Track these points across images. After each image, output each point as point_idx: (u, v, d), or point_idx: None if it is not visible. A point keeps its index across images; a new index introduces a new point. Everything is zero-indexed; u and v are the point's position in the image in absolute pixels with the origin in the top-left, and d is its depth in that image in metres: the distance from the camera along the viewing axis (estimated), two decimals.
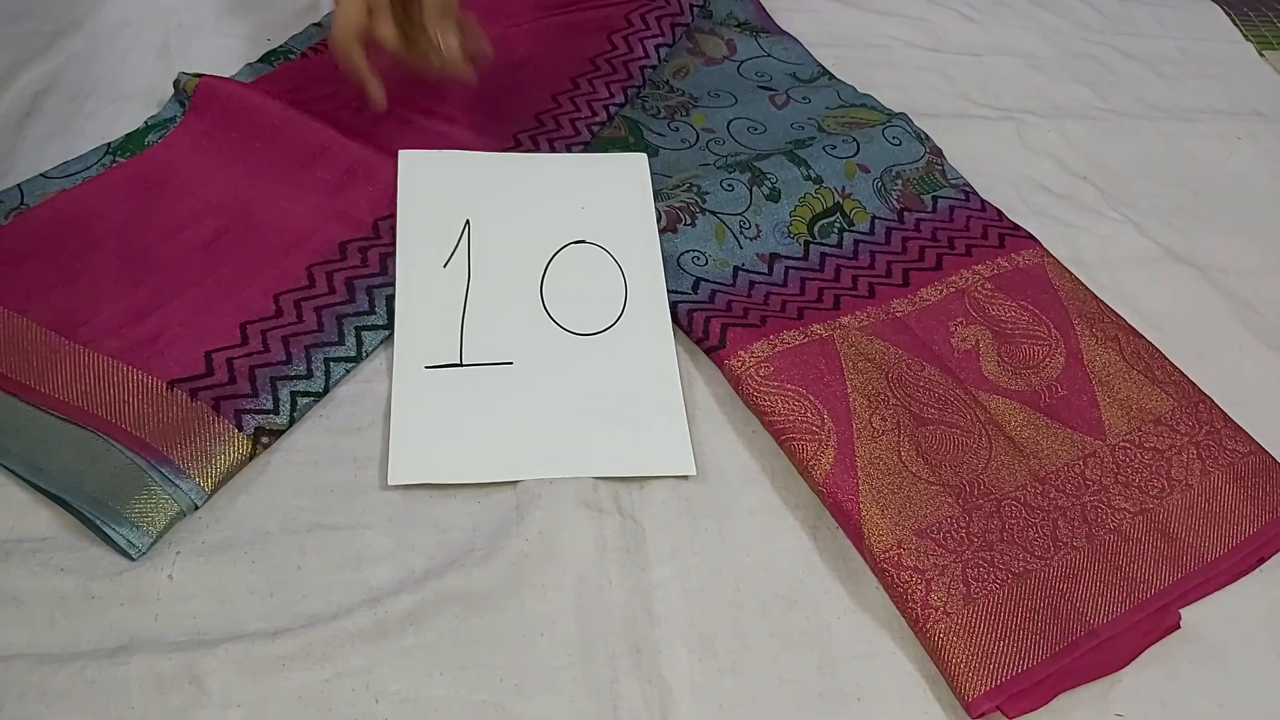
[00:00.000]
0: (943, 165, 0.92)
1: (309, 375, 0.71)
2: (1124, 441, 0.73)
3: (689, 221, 0.82)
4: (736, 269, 0.81)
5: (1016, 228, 0.87)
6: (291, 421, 0.69)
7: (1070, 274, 0.84)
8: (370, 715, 0.57)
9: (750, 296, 0.78)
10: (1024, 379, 0.76)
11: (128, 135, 0.86)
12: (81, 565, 0.61)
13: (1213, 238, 0.93)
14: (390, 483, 0.66)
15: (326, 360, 0.72)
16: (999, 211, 0.89)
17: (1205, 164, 1.01)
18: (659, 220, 0.81)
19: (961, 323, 0.79)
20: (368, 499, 0.66)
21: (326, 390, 0.71)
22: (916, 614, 0.62)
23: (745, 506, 0.69)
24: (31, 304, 0.71)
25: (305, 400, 0.70)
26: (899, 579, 0.63)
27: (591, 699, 0.58)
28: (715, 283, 0.79)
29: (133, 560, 0.61)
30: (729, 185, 0.84)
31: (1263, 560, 0.68)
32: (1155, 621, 0.64)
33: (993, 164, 0.96)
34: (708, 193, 0.83)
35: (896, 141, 0.92)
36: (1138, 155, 1.01)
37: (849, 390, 0.72)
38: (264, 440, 0.67)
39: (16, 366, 0.68)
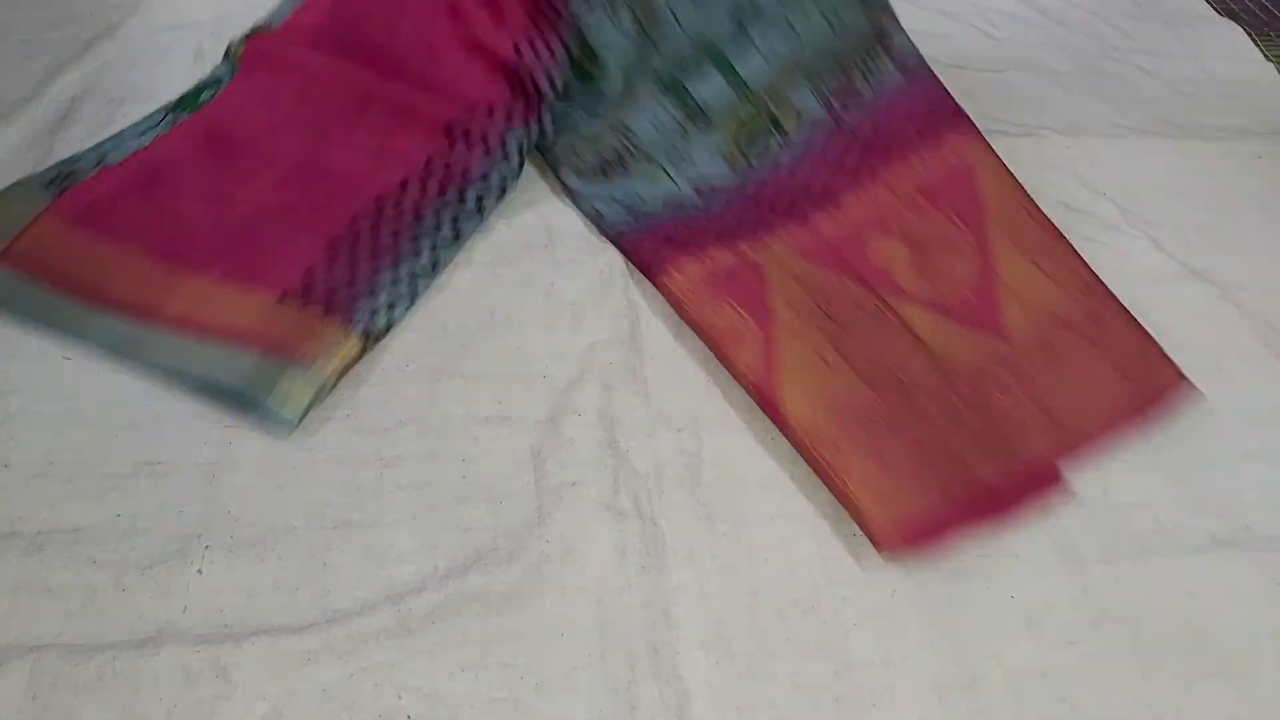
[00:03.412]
0: (891, 34, 0.92)
1: (396, 282, 0.77)
2: (1024, 339, 0.79)
3: (623, 168, 0.86)
4: (671, 200, 0.85)
5: (959, 112, 0.89)
6: (389, 325, 0.75)
7: (1004, 176, 0.88)
8: (393, 710, 0.58)
9: (685, 223, 0.84)
10: (935, 287, 0.81)
11: (181, 96, 0.90)
12: (113, 558, 0.62)
13: (1231, 255, 0.93)
14: None
15: (413, 274, 0.78)
16: (945, 91, 0.90)
17: (1224, 182, 1.01)
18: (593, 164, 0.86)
19: (882, 235, 0.84)
20: (393, 498, 0.67)
21: (413, 301, 0.77)
22: (833, 480, 0.69)
23: (764, 513, 0.69)
24: (136, 239, 0.77)
25: (399, 307, 0.76)
26: (818, 451, 0.69)
27: (610, 698, 0.59)
28: (651, 214, 0.84)
29: (295, 428, 0.67)
30: (657, 121, 0.88)
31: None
32: (1038, 479, 0.71)
33: None
34: (637, 133, 0.88)
35: (835, 14, 0.92)
36: (1157, 173, 1.01)
37: (775, 302, 0.78)
38: (372, 339, 0.74)
39: (136, 297, 0.74)
